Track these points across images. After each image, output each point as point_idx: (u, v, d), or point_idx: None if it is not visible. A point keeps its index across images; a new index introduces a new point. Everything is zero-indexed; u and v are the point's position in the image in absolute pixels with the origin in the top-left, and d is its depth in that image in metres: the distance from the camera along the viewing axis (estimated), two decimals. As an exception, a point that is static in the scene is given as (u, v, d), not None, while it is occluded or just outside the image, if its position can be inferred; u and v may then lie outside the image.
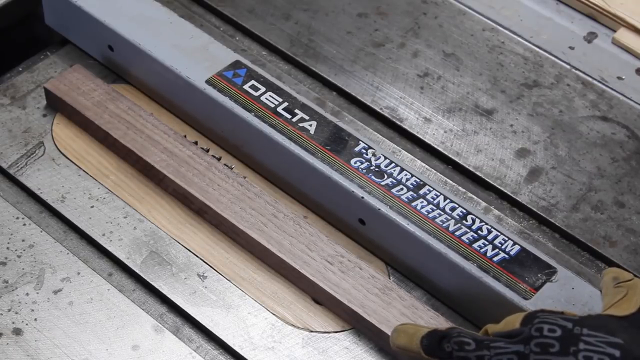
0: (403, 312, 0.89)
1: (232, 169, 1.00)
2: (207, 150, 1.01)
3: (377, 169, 0.95)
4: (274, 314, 0.91)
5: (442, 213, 0.92)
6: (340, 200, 0.95)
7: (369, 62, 1.12)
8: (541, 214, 1.01)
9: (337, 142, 0.97)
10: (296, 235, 0.94)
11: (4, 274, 0.92)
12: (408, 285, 0.95)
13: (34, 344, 0.88)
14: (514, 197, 1.02)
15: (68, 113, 1.03)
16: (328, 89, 1.10)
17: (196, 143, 1.01)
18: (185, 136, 1.01)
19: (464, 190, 1.03)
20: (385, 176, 0.94)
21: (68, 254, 0.94)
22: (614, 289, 0.82)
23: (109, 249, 0.94)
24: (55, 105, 1.03)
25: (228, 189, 0.96)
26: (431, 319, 0.89)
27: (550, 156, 1.06)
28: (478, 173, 1.04)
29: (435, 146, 1.06)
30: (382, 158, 0.96)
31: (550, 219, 1.00)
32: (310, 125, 0.97)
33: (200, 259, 0.94)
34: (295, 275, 0.92)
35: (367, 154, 0.96)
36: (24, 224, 0.96)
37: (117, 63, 1.07)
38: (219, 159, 1.00)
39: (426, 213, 0.92)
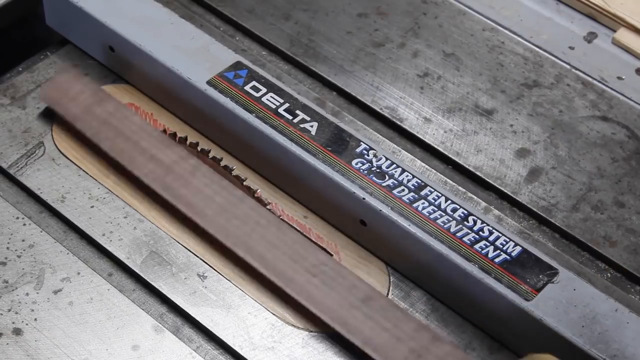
0: (385, 326, 0.88)
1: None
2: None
3: (378, 170, 0.95)
4: (274, 314, 0.91)
5: (444, 214, 0.92)
6: (342, 202, 0.95)
7: (369, 62, 1.12)
8: (541, 214, 1.01)
9: (339, 143, 0.97)
10: (279, 244, 0.92)
11: (4, 274, 0.92)
12: (408, 285, 0.95)
13: (34, 344, 0.88)
14: (514, 197, 1.02)
15: (62, 120, 1.02)
16: (328, 89, 1.10)
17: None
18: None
19: (464, 190, 1.03)
20: (387, 177, 0.94)
21: (68, 254, 0.94)
22: None
23: (109, 249, 0.94)
24: (52, 110, 1.03)
25: (212, 196, 0.94)
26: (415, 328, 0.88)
27: (550, 156, 1.06)
28: (478, 173, 1.04)
29: (435, 146, 1.06)
30: (384, 159, 0.96)
31: (550, 219, 1.00)
32: (312, 126, 0.97)
33: (200, 259, 0.94)
34: (282, 290, 0.91)
35: (368, 155, 0.96)
36: (24, 224, 0.96)
37: (118, 64, 1.07)
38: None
39: (427, 214, 0.92)
